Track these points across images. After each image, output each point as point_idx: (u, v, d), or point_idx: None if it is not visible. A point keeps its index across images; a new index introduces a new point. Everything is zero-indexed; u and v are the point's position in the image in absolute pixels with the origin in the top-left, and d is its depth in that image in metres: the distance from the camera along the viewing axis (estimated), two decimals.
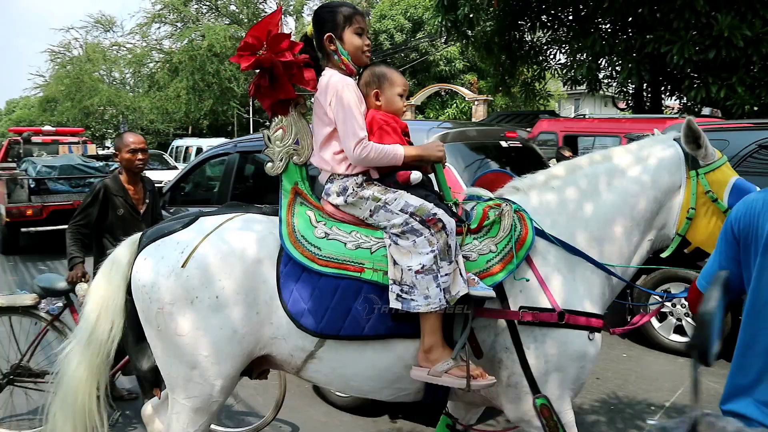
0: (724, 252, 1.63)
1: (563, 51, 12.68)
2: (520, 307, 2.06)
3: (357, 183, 2.16)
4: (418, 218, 2.02)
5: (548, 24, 12.30)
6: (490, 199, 2.32)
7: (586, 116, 9.96)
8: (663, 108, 12.20)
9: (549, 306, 2.05)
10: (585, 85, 11.75)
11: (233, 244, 2.13)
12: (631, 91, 12.21)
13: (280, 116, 2.24)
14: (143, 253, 2.20)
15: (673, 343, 4.98)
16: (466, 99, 19.31)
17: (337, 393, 3.66)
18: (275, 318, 2.11)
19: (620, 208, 2.22)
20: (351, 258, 2.07)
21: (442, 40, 18.28)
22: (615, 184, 2.24)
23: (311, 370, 2.19)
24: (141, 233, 2.35)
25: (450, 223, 2.02)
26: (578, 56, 11.14)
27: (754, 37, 8.32)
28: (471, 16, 10.67)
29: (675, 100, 11.95)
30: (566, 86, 13.06)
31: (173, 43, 26.68)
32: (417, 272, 1.95)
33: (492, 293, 2.02)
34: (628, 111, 12.56)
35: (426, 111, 24.03)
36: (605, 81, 12.28)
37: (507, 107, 20.34)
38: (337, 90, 2.14)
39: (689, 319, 4.82)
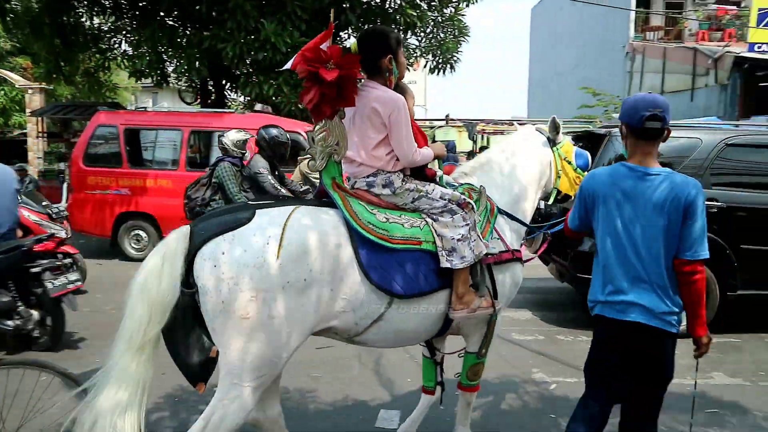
0: (579, 206, 2.71)
1: (127, 41, 12.12)
2: (499, 252, 2.91)
3: (401, 179, 2.69)
4: (454, 203, 2.70)
5: (109, 10, 11.56)
6: (462, 184, 3.05)
7: (147, 109, 9.73)
8: (229, 102, 12.89)
9: (506, 249, 2.94)
10: (152, 78, 11.51)
11: (313, 233, 2.40)
12: (199, 85, 12.51)
13: (325, 120, 2.47)
14: (213, 247, 2.29)
15: None
16: (18, 86, 16.64)
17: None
18: (349, 292, 2.46)
19: (527, 177, 3.27)
20: (411, 235, 2.61)
21: None
22: (520, 163, 3.27)
23: (373, 332, 2.60)
24: (190, 228, 2.39)
25: (473, 204, 2.80)
26: (143, 48, 10.81)
27: (294, 45, 9.49)
28: None
29: (240, 95, 12.78)
30: (135, 78, 12.50)
31: None
32: (458, 240, 2.62)
33: (497, 249, 2.90)
34: (197, 105, 12.84)
35: None
36: (174, 75, 12.27)
37: (74, 97, 18.40)
38: (399, 107, 2.58)
39: None
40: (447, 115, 17.23)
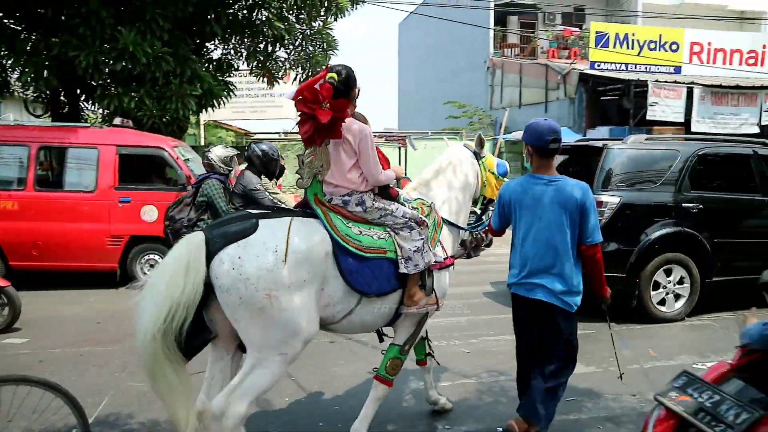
0: (498, 211, 3.46)
1: None
2: (442, 259, 3.46)
3: (371, 198, 3.17)
4: (413, 221, 3.22)
5: None
6: (415, 199, 3.57)
7: None
8: (86, 116, 11.97)
9: (444, 257, 3.49)
10: None
11: (307, 242, 2.93)
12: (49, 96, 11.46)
13: (314, 146, 2.99)
14: (230, 253, 2.76)
15: (662, 312, 6.33)
16: None
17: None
18: (332, 291, 3.01)
19: (462, 188, 3.83)
20: (379, 245, 3.11)
21: None
22: (457, 176, 3.83)
23: (345, 322, 3.14)
24: (204, 236, 2.81)
25: (427, 221, 3.34)
26: None
27: (155, 55, 9.03)
28: None
29: (97, 108, 11.87)
30: None
31: None
32: (414, 251, 3.15)
33: (441, 257, 3.45)
34: (48, 117, 11.78)
35: None
36: (19, 84, 11.14)
37: None
38: (366, 135, 3.07)
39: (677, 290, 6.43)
40: None
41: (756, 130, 15.25)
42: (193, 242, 2.79)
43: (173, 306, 2.63)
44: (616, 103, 16.73)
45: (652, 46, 17.23)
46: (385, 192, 3.31)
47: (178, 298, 2.64)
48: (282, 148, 14.01)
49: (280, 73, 11.95)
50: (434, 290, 3.35)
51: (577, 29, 21.75)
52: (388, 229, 3.21)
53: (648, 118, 14.75)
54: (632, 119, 15.33)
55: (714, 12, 21.89)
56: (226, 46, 11.68)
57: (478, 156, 3.96)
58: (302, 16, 11.38)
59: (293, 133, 18.96)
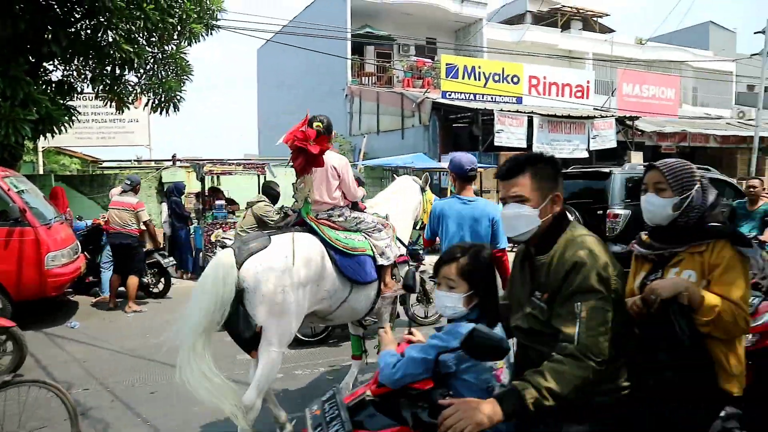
0: (429, 224, 4.33)
1: None
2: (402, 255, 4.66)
3: (349, 211, 4.32)
4: (380, 225, 4.43)
5: None
6: (373, 213, 4.58)
7: None
8: None
9: (401, 254, 4.64)
10: None
11: (308, 249, 3.81)
12: None
13: (305, 175, 4.03)
14: (255, 261, 3.55)
15: None
16: None
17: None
18: (328, 285, 3.91)
19: (410, 211, 5.07)
20: (360, 246, 4.18)
21: None
22: (407, 200, 5.08)
23: (338, 310, 4.08)
24: (231, 251, 3.59)
25: (391, 224, 4.60)
26: None
27: None
28: None
29: None
30: None
31: None
32: (385, 247, 4.33)
33: (400, 253, 4.64)
34: None
35: None
36: None
37: None
38: (346, 164, 4.26)
39: None
40: (174, 156, 16.58)
41: (585, 155, 17.09)
42: (225, 255, 3.55)
43: (217, 301, 3.37)
44: (467, 130, 17.89)
45: (497, 78, 18.74)
46: (357, 206, 4.45)
47: (221, 295, 3.38)
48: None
49: (131, 98, 11.25)
50: (401, 278, 4.41)
51: (429, 60, 23.03)
52: (364, 234, 4.27)
53: (495, 144, 15.94)
54: (481, 145, 16.47)
55: (547, 50, 24.34)
56: (67, 68, 10.77)
57: (423, 189, 5.24)
58: (153, 40, 10.84)
59: (146, 160, 18.00)
